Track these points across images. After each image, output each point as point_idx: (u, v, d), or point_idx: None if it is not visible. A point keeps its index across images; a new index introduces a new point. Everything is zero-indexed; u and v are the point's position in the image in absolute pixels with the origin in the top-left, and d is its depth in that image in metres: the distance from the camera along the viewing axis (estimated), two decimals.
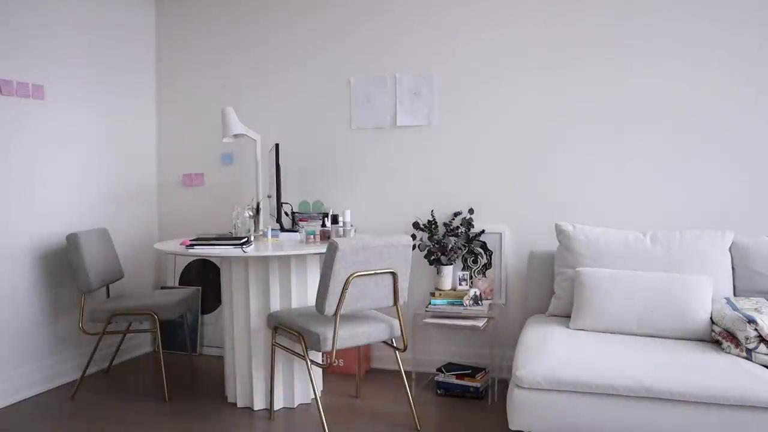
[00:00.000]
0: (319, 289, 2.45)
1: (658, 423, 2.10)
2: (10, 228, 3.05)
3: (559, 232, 2.96)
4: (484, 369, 3.11)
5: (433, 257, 3.24)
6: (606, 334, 2.56)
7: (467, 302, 3.00)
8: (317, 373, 3.10)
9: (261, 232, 3.31)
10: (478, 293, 3.03)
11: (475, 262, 3.32)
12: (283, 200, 3.67)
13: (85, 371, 3.14)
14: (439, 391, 3.08)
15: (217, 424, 2.73)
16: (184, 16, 4.00)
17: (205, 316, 3.90)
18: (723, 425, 2.05)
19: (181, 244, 2.87)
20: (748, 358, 2.22)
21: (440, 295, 3.12)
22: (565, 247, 2.91)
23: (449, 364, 3.21)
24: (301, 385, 2.94)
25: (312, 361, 2.59)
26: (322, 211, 3.41)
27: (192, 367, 3.60)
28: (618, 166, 3.15)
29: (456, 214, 3.33)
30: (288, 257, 2.86)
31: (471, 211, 3.30)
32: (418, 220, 3.44)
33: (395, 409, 2.89)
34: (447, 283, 3.21)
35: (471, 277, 3.28)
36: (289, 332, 2.61)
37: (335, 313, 2.43)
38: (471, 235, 3.27)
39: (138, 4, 3.92)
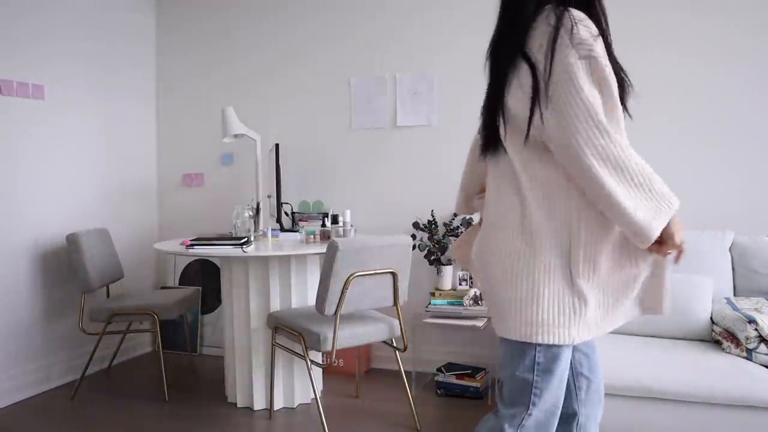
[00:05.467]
0: (319, 289, 2.45)
1: (658, 423, 2.10)
2: (11, 228, 3.05)
3: None
4: (484, 369, 3.10)
5: (433, 257, 3.24)
6: (606, 335, 2.56)
7: (467, 302, 3.00)
8: (317, 373, 3.10)
9: (261, 232, 3.31)
10: (478, 293, 3.03)
11: None
12: (283, 200, 3.67)
13: (85, 371, 3.14)
14: (439, 391, 3.08)
15: (217, 424, 2.73)
16: (185, 16, 4.00)
17: (205, 316, 3.90)
18: (723, 425, 2.05)
19: (181, 244, 2.87)
20: (749, 358, 2.22)
21: (440, 295, 3.12)
22: None
23: (449, 364, 3.21)
24: (301, 385, 2.94)
25: (312, 361, 2.59)
26: (322, 211, 3.41)
27: (192, 367, 3.60)
28: None
29: (456, 214, 3.33)
30: (288, 257, 2.86)
31: None
32: (418, 220, 3.44)
33: (395, 409, 2.89)
34: (447, 283, 3.21)
35: (471, 277, 3.28)
36: (289, 332, 2.61)
37: (335, 313, 2.43)
38: None
39: (138, 6, 3.92)
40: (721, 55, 2.97)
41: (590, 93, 1.23)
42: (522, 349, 1.37)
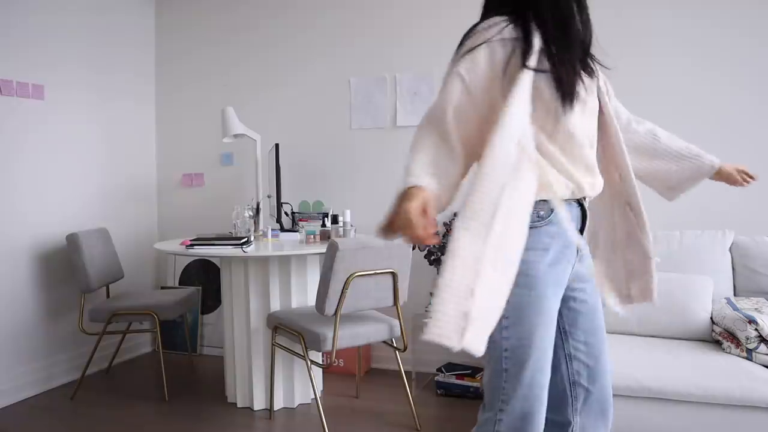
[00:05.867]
0: (319, 289, 2.45)
1: (658, 423, 2.10)
2: (11, 228, 3.04)
3: None
4: (485, 369, 3.10)
5: (433, 257, 3.23)
6: (606, 334, 2.56)
7: None
8: (317, 373, 3.10)
9: (261, 232, 3.31)
10: None
11: None
12: (283, 200, 3.67)
13: (84, 371, 3.14)
14: (439, 391, 3.08)
15: (217, 424, 2.73)
16: (184, 16, 4.00)
17: (205, 316, 3.90)
18: (723, 425, 2.05)
19: (181, 244, 2.87)
20: (749, 358, 2.22)
21: None
22: None
23: (449, 364, 3.21)
24: (301, 385, 2.94)
25: (312, 361, 2.59)
26: (322, 211, 3.41)
27: (192, 367, 3.59)
28: None
29: (456, 214, 3.32)
30: (288, 257, 2.86)
31: None
32: None
33: (395, 409, 2.89)
34: None
35: None
36: (289, 332, 2.60)
37: (335, 313, 2.43)
38: None
39: (138, 7, 3.92)
40: (722, 56, 2.97)
41: (437, 101, 1.28)
42: (492, 353, 1.36)
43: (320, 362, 2.98)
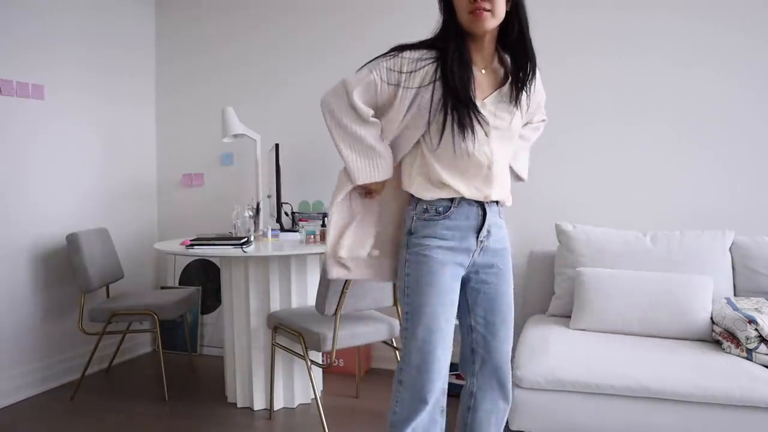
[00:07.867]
0: (319, 289, 2.45)
1: (658, 423, 2.10)
2: (10, 228, 3.05)
3: (560, 231, 2.95)
4: None
5: None
6: (606, 334, 2.56)
7: None
8: (317, 373, 3.10)
9: (261, 232, 3.31)
10: None
11: None
12: (283, 200, 3.67)
13: (85, 371, 3.14)
14: None
15: (217, 424, 2.73)
16: (185, 18, 4.00)
17: (205, 316, 3.90)
18: (723, 425, 2.05)
19: (181, 244, 2.87)
20: (749, 358, 2.22)
21: None
22: (566, 247, 2.91)
23: (449, 364, 3.20)
24: (301, 385, 2.94)
25: (312, 361, 2.59)
26: (322, 211, 3.41)
27: (192, 367, 3.60)
28: (618, 166, 3.15)
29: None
30: (288, 257, 2.86)
31: None
32: None
33: None
34: None
35: None
36: (289, 332, 2.60)
37: (335, 313, 2.43)
38: None
39: (138, 8, 3.92)
40: (722, 57, 2.97)
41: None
42: (401, 315, 1.73)
43: (320, 362, 2.98)
